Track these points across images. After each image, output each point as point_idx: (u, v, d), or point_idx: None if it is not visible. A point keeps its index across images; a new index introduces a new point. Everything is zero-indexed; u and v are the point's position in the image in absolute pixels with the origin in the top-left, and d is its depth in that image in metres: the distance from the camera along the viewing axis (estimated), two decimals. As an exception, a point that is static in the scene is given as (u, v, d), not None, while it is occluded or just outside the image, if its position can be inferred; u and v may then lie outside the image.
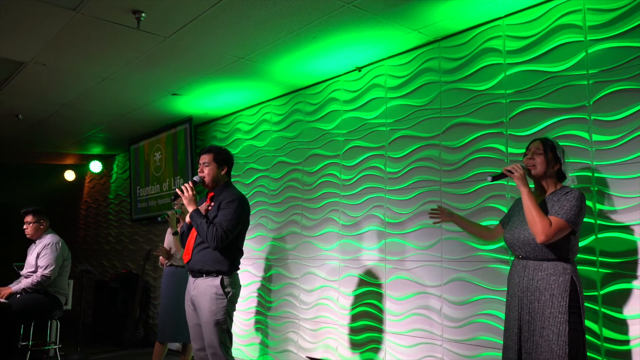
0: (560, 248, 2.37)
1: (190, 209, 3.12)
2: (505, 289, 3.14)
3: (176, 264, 4.38)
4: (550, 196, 2.48)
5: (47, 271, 4.42)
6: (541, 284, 2.37)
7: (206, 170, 3.22)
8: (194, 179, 3.20)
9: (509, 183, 3.21)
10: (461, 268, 3.41)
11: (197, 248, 3.15)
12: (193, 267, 3.15)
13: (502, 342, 3.10)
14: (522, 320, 2.42)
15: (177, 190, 3.16)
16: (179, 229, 4.39)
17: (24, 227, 4.68)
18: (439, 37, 3.70)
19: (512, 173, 2.45)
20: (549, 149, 2.51)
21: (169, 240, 4.51)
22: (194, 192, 3.14)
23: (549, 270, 2.37)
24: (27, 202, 6.17)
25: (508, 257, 3.18)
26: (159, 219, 4.38)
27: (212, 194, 3.27)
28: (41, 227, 4.68)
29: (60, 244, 4.60)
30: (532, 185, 2.55)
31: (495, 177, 2.54)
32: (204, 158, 3.24)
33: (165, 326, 4.29)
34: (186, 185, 3.13)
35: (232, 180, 3.38)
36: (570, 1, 3.05)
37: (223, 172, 3.27)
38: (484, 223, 3.19)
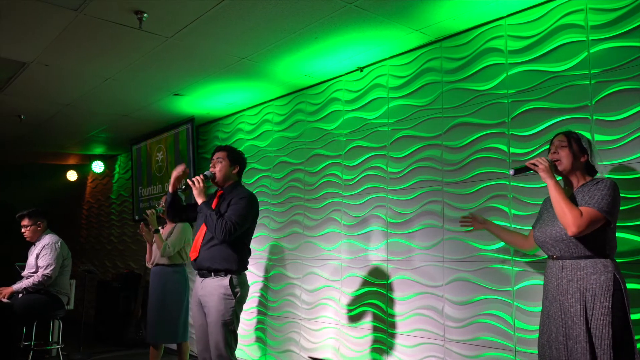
0: (596, 243, 2.22)
1: (199, 200, 3.10)
2: (507, 289, 3.16)
3: (162, 264, 4.37)
4: (579, 189, 2.34)
5: (47, 271, 4.43)
6: (582, 284, 2.20)
7: (218, 166, 3.22)
8: (205, 173, 3.18)
9: (511, 183, 3.21)
10: (463, 268, 3.41)
11: (205, 246, 3.12)
12: (201, 265, 3.12)
13: (503, 342, 3.12)
14: (567, 326, 2.23)
15: (188, 181, 3.13)
16: (160, 229, 4.39)
17: (22, 230, 4.66)
18: (440, 37, 3.70)
19: (537, 166, 2.32)
20: (574, 141, 2.38)
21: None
22: (204, 185, 3.13)
23: (589, 269, 2.20)
24: (29, 202, 6.19)
25: (510, 257, 3.18)
26: (136, 217, 4.35)
27: (221, 192, 3.26)
28: (39, 228, 4.68)
29: (59, 244, 4.60)
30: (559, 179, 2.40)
31: (518, 171, 2.40)
32: (218, 154, 3.25)
33: (150, 327, 4.28)
34: (197, 177, 3.12)
35: (235, 181, 3.38)
36: (572, 1, 3.05)
37: (234, 171, 3.28)
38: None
